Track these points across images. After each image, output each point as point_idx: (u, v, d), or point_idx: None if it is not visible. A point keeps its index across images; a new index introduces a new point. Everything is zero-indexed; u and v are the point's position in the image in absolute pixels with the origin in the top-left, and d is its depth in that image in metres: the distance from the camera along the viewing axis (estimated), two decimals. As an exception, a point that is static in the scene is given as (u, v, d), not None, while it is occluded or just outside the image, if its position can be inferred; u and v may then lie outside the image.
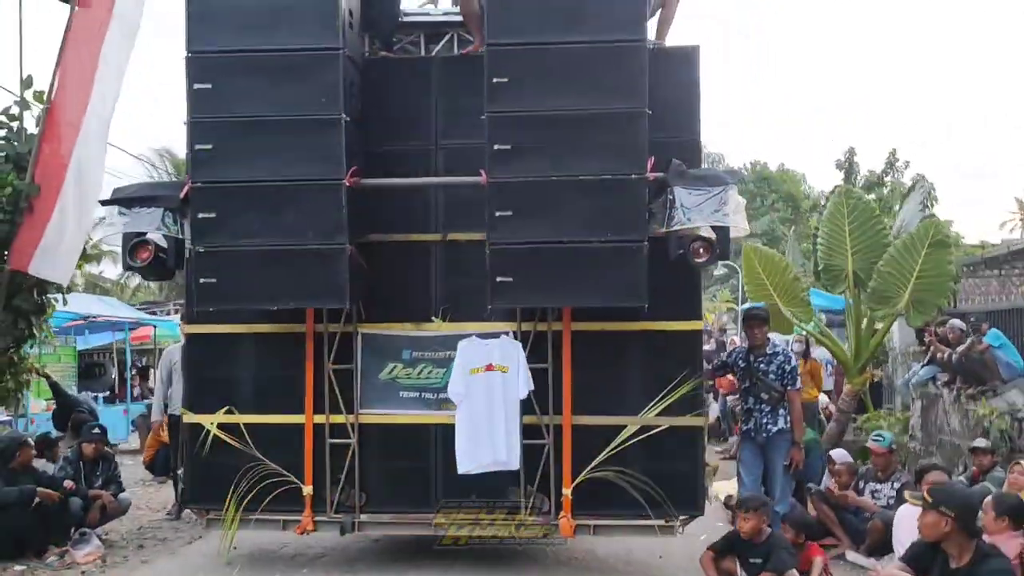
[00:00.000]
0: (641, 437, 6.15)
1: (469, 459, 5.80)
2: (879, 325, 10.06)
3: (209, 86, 5.67)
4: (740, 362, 6.90)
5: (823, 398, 11.27)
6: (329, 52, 5.61)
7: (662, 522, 6.17)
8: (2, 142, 8.07)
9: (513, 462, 5.89)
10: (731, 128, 79.11)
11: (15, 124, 8.21)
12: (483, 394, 5.80)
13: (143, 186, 6.75)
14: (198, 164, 5.72)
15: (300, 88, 5.64)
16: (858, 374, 10.10)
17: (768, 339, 6.90)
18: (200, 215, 5.68)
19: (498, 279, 5.64)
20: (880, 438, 7.00)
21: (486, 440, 5.80)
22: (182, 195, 5.74)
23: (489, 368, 5.82)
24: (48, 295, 8.13)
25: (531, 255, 5.63)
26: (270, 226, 5.68)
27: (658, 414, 6.16)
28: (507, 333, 6.09)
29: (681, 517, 6.21)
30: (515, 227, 5.60)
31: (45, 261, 7.16)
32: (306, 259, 5.68)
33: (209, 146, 5.67)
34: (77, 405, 9.80)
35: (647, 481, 6.12)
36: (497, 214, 5.61)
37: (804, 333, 10.83)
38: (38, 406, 11.56)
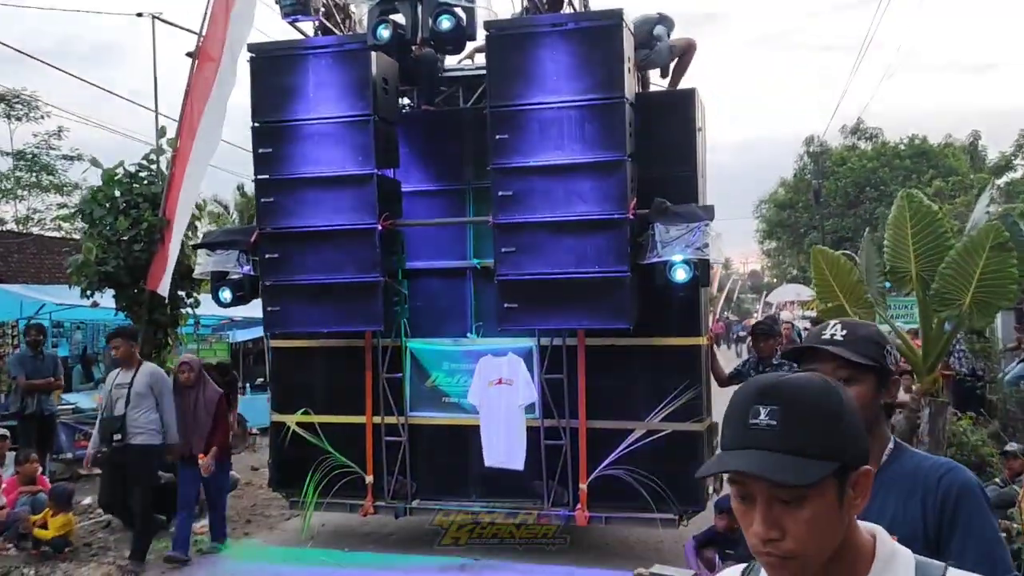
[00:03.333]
0: (647, 440, 6.97)
1: (490, 455, 6.85)
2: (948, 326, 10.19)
3: (270, 150, 6.92)
4: (751, 372, 7.51)
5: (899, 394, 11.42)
6: (362, 118, 6.73)
7: (666, 515, 6.97)
8: (144, 184, 9.75)
9: (516, 463, 6.86)
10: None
11: (153, 167, 9.89)
12: (497, 403, 6.81)
13: (223, 232, 8.15)
14: (263, 214, 7.01)
15: (340, 149, 6.81)
16: (927, 373, 10.27)
17: (776, 351, 7.48)
18: (267, 256, 6.97)
19: (505, 305, 6.61)
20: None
21: (496, 442, 6.81)
22: (252, 239, 7.05)
23: (499, 382, 6.82)
24: (180, 309, 9.78)
25: (532, 285, 6.56)
26: (320, 264, 6.89)
27: (662, 419, 6.95)
28: (524, 348, 7.05)
29: (684, 511, 6.98)
30: (518, 262, 6.55)
31: (165, 282, 8.57)
32: (349, 291, 6.86)
33: (272, 199, 6.94)
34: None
35: (653, 479, 6.93)
36: (503, 250, 6.57)
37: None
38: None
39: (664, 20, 7.34)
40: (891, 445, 2.06)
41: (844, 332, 2.05)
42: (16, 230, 28.06)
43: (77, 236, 28.10)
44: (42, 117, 29.65)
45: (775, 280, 51.79)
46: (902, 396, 11.61)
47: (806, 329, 21.25)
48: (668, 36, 7.29)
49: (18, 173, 31.00)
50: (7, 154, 30.69)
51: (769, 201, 43.92)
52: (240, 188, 30.38)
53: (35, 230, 29.57)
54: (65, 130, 30.85)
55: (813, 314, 22.66)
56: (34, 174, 31.33)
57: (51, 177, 31.54)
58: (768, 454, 1.25)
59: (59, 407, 11.00)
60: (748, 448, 1.27)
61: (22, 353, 10.54)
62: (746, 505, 1.29)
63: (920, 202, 10.51)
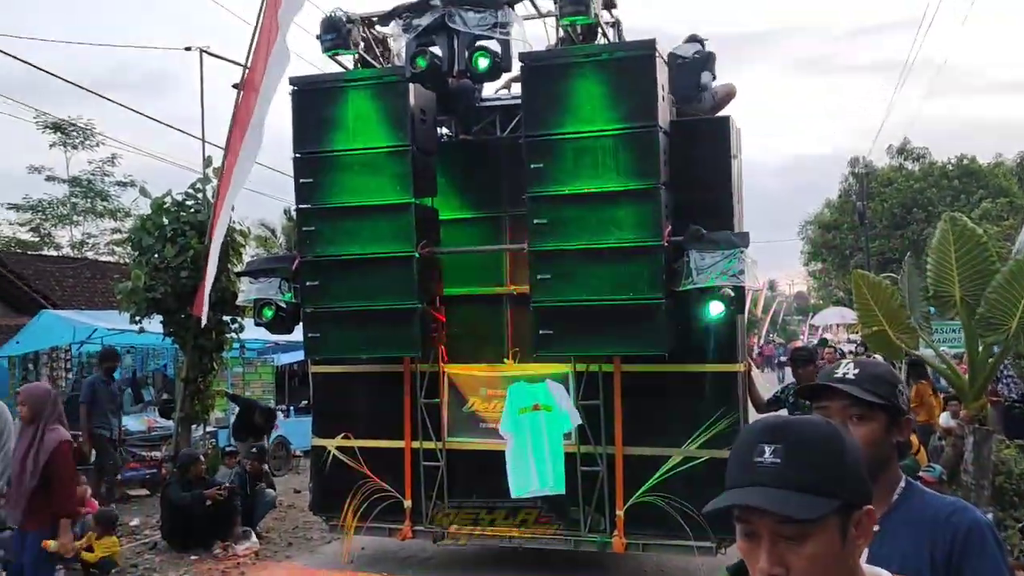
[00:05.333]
0: (684, 467, 6.96)
1: (520, 486, 6.86)
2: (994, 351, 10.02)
3: (311, 180, 7.09)
4: (789, 398, 7.47)
5: (944, 418, 11.25)
6: (400, 148, 6.87)
7: (703, 543, 6.93)
8: (191, 212, 10.04)
9: (558, 488, 6.88)
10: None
11: (199, 196, 10.17)
12: (530, 430, 6.84)
13: (264, 260, 8.33)
14: (304, 242, 7.17)
15: (379, 178, 6.94)
16: (974, 399, 10.10)
17: (815, 377, 7.41)
18: (307, 283, 7.12)
19: (541, 332, 6.67)
20: (931, 469, 7.33)
21: (533, 470, 6.83)
22: (293, 267, 7.21)
23: (535, 408, 6.85)
24: (225, 334, 10.02)
25: (568, 312, 6.60)
26: (360, 291, 7.01)
27: (699, 447, 6.93)
28: (560, 374, 7.08)
29: (722, 540, 6.93)
30: (554, 288, 6.60)
31: (205, 307, 8.73)
32: (387, 317, 6.97)
33: (313, 228, 7.10)
34: (254, 408, 11.60)
35: (690, 506, 6.90)
36: (539, 277, 6.63)
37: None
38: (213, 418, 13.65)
39: (696, 40, 7.44)
40: (902, 484, 2.08)
41: (856, 371, 2.09)
42: (72, 255, 28.86)
43: (129, 261, 28.87)
44: (97, 145, 30.52)
45: (821, 302, 51.10)
46: (948, 422, 11.45)
47: (851, 353, 20.98)
48: (713, 81, 7.38)
49: (74, 199, 31.93)
50: (63, 181, 31.64)
51: (814, 222, 43.47)
52: (287, 212, 30.90)
53: (90, 254, 30.39)
54: (119, 157, 31.75)
55: (857, 337, 22.37)
56: (89, 200, 32.23)
57: (105, 203, 32.43)
58: (772, 490, 1.30)
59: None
60: (753, 485, 1.32)
61: (95, 379, 10.63)
62: (752, 543, 1.34)
63: (964, 225, 10.40)
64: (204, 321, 8.22)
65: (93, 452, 10.17)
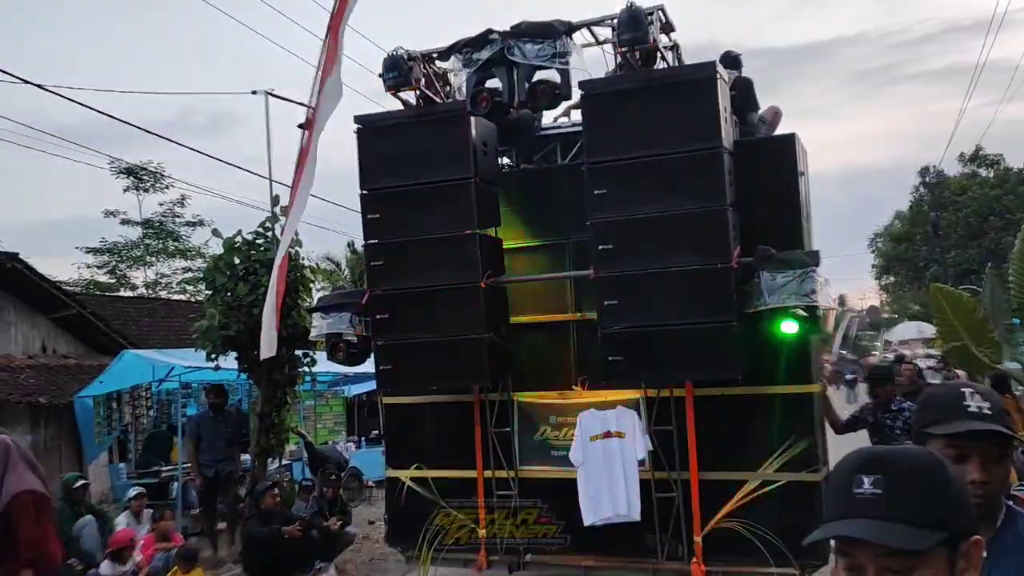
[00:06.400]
0: (762, 491, 6.82)
1: (593, 513, 6.81)
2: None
3: (378, 215, 7.20)
4: (869, 418, 7.29)
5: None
6: (462, 181, 6.94)
7: (786, 570, 6.76)
8: (261, 250, 10.27)
9: (634, 514, 6.80)
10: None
11: (268, 234, 10.41)
12: (602, 457, 6.79)
13: (335, 295, 8.44)
14: (373, 276, 7.27)
15: (444, 211, 7.01)
16: (1061, 413, 9.71)
17: (895, 395, 7.23)
18: (378, 316, 7.21)
19: (610, 359, 6.63)
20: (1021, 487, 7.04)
21: (607, 496, 6.77)
22: (363, 301, 7.32)
23: (607, 435, 6.81)
24: (297, 368, 10.19)
25: (636, 338, 6.55)
26: (428, 323, 7.07)
27: (776, 470, 6.79)
28: (631, 400, 7.03)
29: (804, 566, 6.76)
30: (621, 314, 6.56)
31: (268, 343, 8.46)
32: (456, 347, 7.00)
33: (381, 262, 7.20)
34: (325, 461, 11.85)
35: (769, 532, 6.76)
36: (605, 303, 6.60)
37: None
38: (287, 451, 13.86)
39: (733, 60, 7.42)
40: (1003, 510, 2.01)
41: (988, 405, 2.00)
42: (146, 295, 29.78)
43: (201, 299, 29.64)
44: (167, 187, 31.52)
45: (895, 316, 49.80)
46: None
47: (930, 368, 20.33)
48: (758, 112, 7.36)
49: (147, 241, 33.00)
50: (136, 223, 32.73)
51: (885, 235, 42.51)
52: (351, 245, 31.46)
53: (163, 293, 31.32)
54: (188, 198, 32.74)
55: (937, 352, 21.69)
56: (161, 241, 33.28)
57: (176, 243, 33.44)
58: (875, 522, 1.27)
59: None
60: (853, 517, 1.29)
61: (200, 414, 10.72)
62: None
63: (1045, 234, 10.10)
64: (267, 354, 8.18)
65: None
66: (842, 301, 56.74)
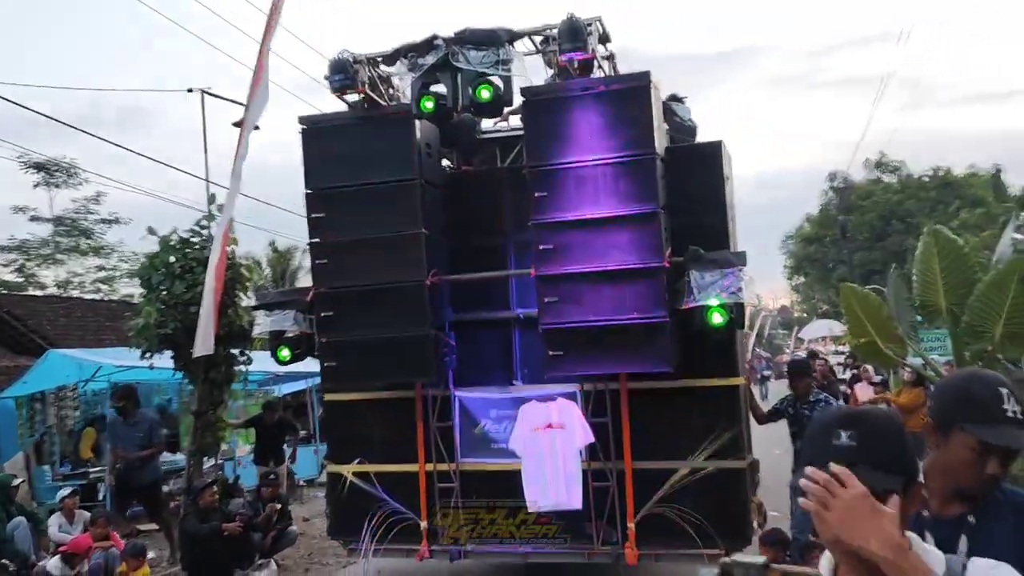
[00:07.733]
0: (691, 478, 7.22)
1: (539, 499, 7.12)
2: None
3: (323, 214, 7.36)
4: (789, 409, 7.78)
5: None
6: (407, 182, 7.16)
7: (712, 551, 7.18)
8: (197, 249, 10.25)
9: (574, 503, 7.13)
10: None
11: (205, 232, 10.39)
12: (545, 447, 7.09)
13: (279, 292, 8.53)
14: (318, 275, 7.42)
15: (388, 211, 7.21)
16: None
17: (812, 388, 7.73)
18: (322, 314, 7.37)
19: (551, 353, 6.94)
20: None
21: (551, 485, 7.08)
22: (308, 299, 7.46)
23: (549, 427, 7.11)
24: (234, 367, 10.21)
25: (575, 333, 6.88)
26: (373, 320, 7.26)
27: (705, 458, 7.20)
28: (568, 394, 7.35)
29: (729, 547, 7.18)
30: (560, 311, 6.88)
31: (205, 341, 8.39)
32: (400, 344, 7.22)
33: (325, 261, 7.35)
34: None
35: (698, 516, 7.16)
36: (546, 301, 6.92)
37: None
38: (244, 450, 13.89)
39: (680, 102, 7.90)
40: None
41: (1020, 409, 2.15)
42: (57, 294, 28.86)
43: (115, 298, 28.84)
44: (80, 183, 30.59)
45: (805, 315, 51.64)
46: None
47: (839, 365, 21.32)
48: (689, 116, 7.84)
49: (57, 238, 31.95)
50: (47, 220, 31.67)
51: (795, 236, 44.07)
52: (272, 244, 31.08)
53: (75, 293, 30.38)
54: (103, 195, 31.82)
55: (846, 349, 22.74)
56: (73, 239, 32.25)
57: (89, 241, 32.44)
58: (851, 467, 1.58)
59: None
60: (831, 462, 1.61)
61: (112, 419, 10.58)
62: None
63: (946, 237, 10.81)
64: (202, 351, 8.15)
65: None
66: (756, 300, 58.50)
